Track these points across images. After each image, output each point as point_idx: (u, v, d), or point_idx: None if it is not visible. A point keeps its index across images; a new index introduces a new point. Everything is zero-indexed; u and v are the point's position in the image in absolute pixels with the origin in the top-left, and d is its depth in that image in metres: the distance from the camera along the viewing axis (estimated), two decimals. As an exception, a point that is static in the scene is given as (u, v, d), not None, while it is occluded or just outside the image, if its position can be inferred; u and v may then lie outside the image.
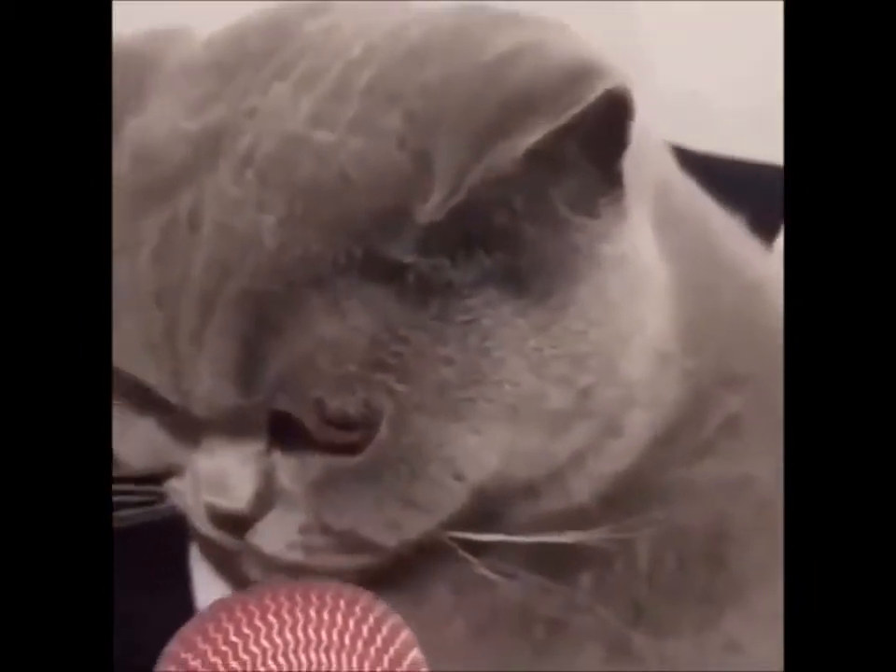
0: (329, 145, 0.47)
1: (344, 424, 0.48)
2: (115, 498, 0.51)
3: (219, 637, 0.44)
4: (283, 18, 0.52)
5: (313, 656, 0.44)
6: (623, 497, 0.53)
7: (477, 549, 0.51)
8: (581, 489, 0.52)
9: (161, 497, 0.53)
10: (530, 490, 0.51)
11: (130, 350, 0.49)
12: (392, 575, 0.52)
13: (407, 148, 0.47)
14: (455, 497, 0.49)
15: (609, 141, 0.47)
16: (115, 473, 0.52)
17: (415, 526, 0.50)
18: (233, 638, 0.44)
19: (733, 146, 0.80)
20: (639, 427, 0.52)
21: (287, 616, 0.44)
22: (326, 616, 0.45)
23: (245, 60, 0.51)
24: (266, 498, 0.50)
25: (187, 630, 0.45)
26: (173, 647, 0.45)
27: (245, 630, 0.44)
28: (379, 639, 0.45)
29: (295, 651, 0.44)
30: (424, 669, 0.45)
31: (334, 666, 0.44)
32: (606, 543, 0.51)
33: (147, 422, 0.52)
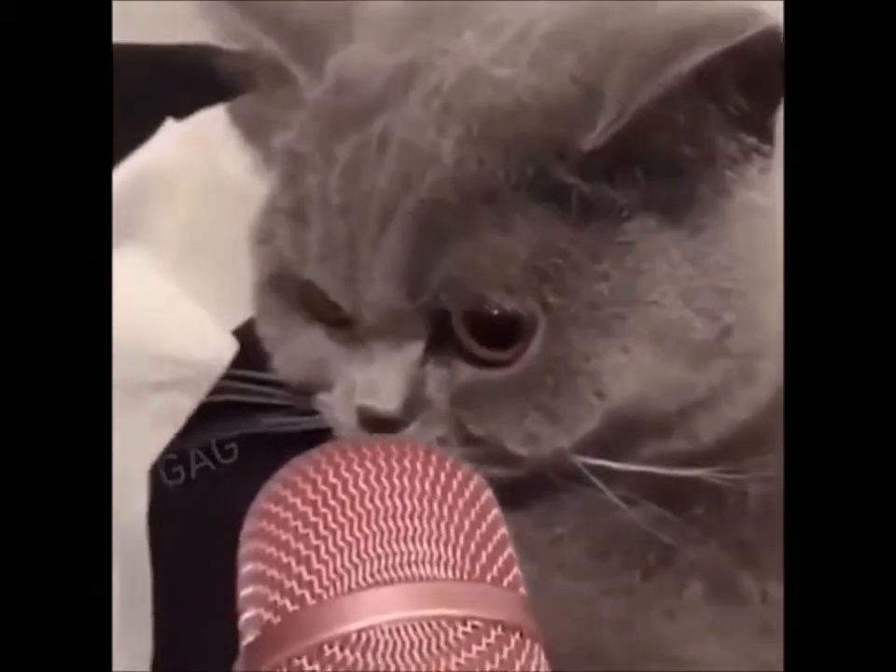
0: (507, 79, 0.54)
1: (495, 337, 0.53)
2: (265, 401, 0.59)
3: (319, 478, 0.47)
4: None
5: (406, 502, 0.46)
6: (740, 442, 0.57)
7: (605, 476, 0.55)
8: (708, 434, 0.56)
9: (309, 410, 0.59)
10: (663, 426, 0.55)
11: (312, 258, 0.56)
12: (523, 491, 0.56)
13: (579, 83, 0.53)
14: (593, 416, 0.54)
15: (766, 84, 0.52)
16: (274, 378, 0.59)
17: (551, 441, 0.54)
18: (333, 479, 0.46)
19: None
20: (768, 378, 0.56)
21: (383, 464, 0.47)
22: (419, 466, 0.47)
23: (439, 10, 0.59)
24: (413, 406, 0.55)
25: (287, 471, 0.48)
26: (272, 484, 0.48)
27: (345, 473, 0.47)
28: (467, 493, 0.47)
29: (391, 496, 0.46)
30: (503, 527, 0.48)
31: (426, 512, 0.46)
32: (720, 481, 0.56)
33: (313, 332, 0.58)
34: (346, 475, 0.46)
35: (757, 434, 0.57)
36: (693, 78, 0.50)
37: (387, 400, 0.55)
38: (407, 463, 0.47)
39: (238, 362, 0.63)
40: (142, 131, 0.70)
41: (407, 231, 0.53)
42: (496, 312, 0.53)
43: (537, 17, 0.56)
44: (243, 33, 0.58)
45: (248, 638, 0.45)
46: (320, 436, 0.59)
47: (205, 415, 0.63)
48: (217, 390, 0.63)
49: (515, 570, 0.47)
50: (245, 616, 0.46)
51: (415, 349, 0.56)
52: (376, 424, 0.56)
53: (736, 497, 0.57)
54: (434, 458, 0.47)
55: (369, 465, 0.47)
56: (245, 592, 0.46)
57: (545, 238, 0.53)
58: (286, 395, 0.60)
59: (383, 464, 0.47)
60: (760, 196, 0.55)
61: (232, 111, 0.66)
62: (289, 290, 0.59)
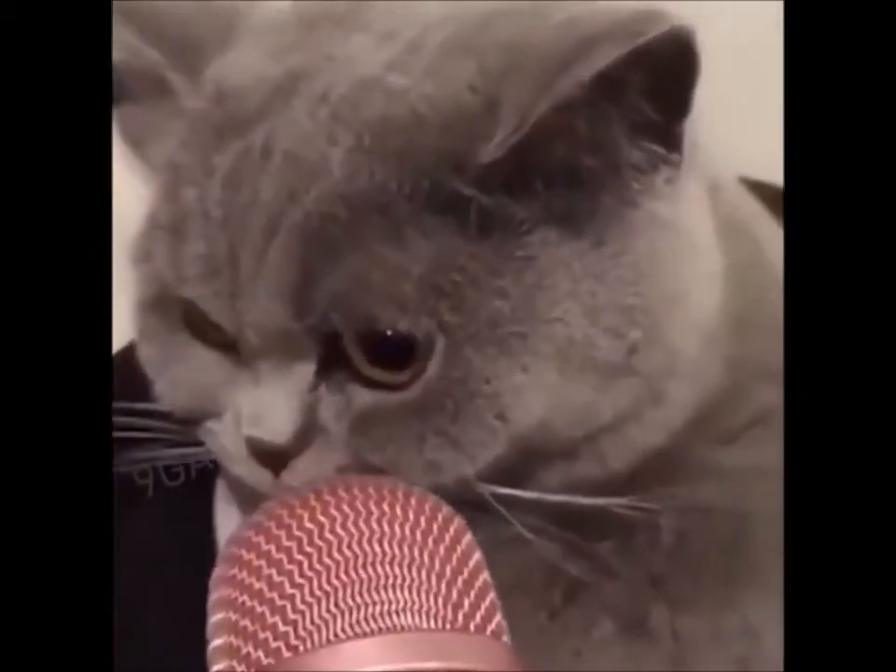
0: (402, 87, 0.51)
1: (390, 358, 0.50)
2: (151, 435, 0.55)
3: (294, 524, 0.45)
4: None
5: (385, 548, 0.45)
6: (652, 471, 0.54)
7: (511, 506, 0.52)
8: (616, 459, 0.54)
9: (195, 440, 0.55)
10: (569, 451, 0.53)
11: (192, 276, 0.52)
12: None
13: (478, 94, 0.50)
14: (496, 440, 0.51)
15: (673, 90, 0.49)
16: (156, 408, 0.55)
17: (453, 469, 0.51)
18: (308, 525, 0.45)
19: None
20: (679, 400, 0.54)
21: (361, 508, 0.45)
22: (398, 511, 0.45)
23: (328, 15, 0.56)
24: (306, 434, 0.52)
25: (260, 515, 0.46)
26: (243, 531, 0.46)
27: (321, 518, 0.45)
28: (447, 538, 0.46)
29: (370, 541, 0.44)
30: (486, 572, 0.46)
31: (406, 559, 0.44)
32: (631, 512, 0.53)
33: (198, 355, 0.55)
34: (323, 520, 0.45)
35: (671, 461, 0.55)
36: (593, 85, 0.48)
37: (276, 430, 0.52)
38: (386, 507, 0.45)
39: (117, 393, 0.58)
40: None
41: (292, 245, 0.50)
42: (388, 332, 0.50)
43: (432, 22, 0.54)
44: (119, 40, 0.55)
45: (218, 692, 0.43)
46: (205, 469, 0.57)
47: None
48: None
49: (498, 617, 0.45)
50: (216, 669, 0.44)
51: (305, 373, 0.52)
52: (266, 455, 0.52)
53: (647, 529, 0.55)
54: (413, 501, 0.46)
55: (346, 509, 0.45)
56: (215, 643, 0.44)
57: (442, 253, 0.50)
58: (168, 426, 0.57)
59: (360, 508, 0.45)
60: (665, 207, 0.53)
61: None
62: (171, 311, 0.55)
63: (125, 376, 0.56)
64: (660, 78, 0.49)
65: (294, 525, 0.45)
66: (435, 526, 0.45)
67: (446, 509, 0.47)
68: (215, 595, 0.45)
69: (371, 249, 0.50)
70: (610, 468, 0.54)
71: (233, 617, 0.44)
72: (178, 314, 0.55)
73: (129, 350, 0.58)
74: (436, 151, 0.50)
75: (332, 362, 0.52)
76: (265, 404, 0.52)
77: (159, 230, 0.54)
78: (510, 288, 0.51)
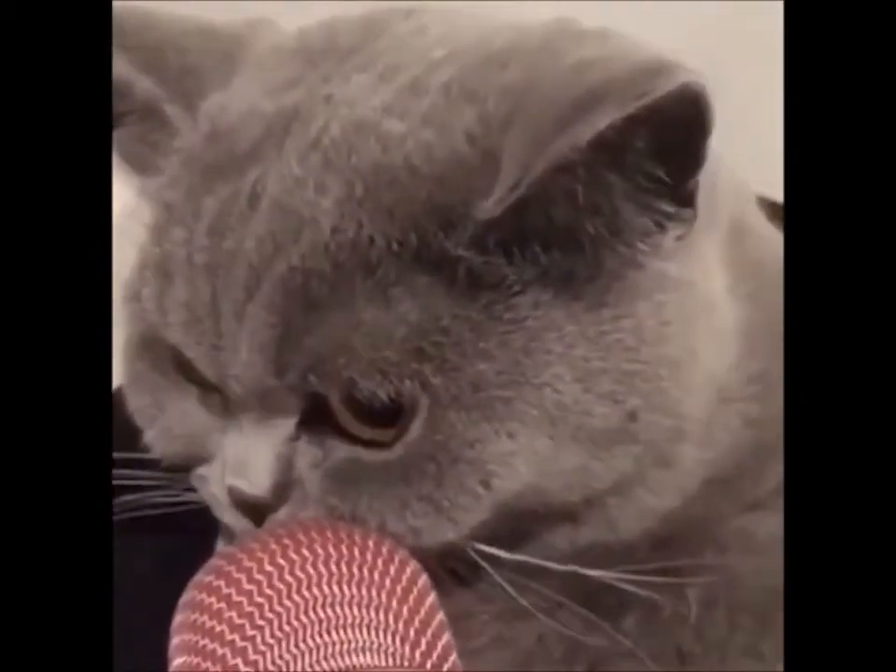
0: (398, 134, 0.49)
1: (374, 415, 0.48)
2: (143, 483, 0.53)
3: (254, 566, 0.46)
4: (376, 17, 0.54)
5: (344, 589, 0.45)
6: (675, 539, 0.51)
7: (513, 571, 0.50)
8: (629, 524, 0.51)
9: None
10: (568, 514, 0.50)
11: (176, 322, 0.51)
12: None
13: (476, 146, 0.48)
14: (479, 507, 0.49)
15: (683, 147, 0.46)
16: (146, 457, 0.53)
17: (436, 534, 0.49)
18: (268, 568, 0.46)
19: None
20: (691, 462, 0.51)
21: (319, 550, 0.46)
22: (356, 553, 0.46)
23: (332, 51, 0.53)
24: (284, 488, 0.50)
25: (219, 560, 0.47)
26: (203, 575, 0.47)
27: (280, 561, 0.46)
28: (404, 579, 0.47)
29: (329, 583, 0.45)
30: (440, 613, 0.47)
31: (365, 600, 0.45)
32: (653, 586, 0.50)
33: (188, 401, 0.53)
34: (282, 563, 0.46)
35: (695, 528, 0.51)
36: (592, 149, 0.45)
37: (256, 481, 0.50)
38: (344, 549, 0.46)
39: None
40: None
41: (275, 300, 0.48)
42: (367, 398, 0.48)
43: (438, 60, 0.51)
44: (116, 70, 0.53)
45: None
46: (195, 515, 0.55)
47: None
48: None
49: (454, 657, 0.46)
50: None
51: (286, 425, 0.50)
52: (246, 506, 0.51)
53: (673, 601, 0.51)
54: (371, 544, 0.47)
55: (305, 552, 0.46)
56: (177, 686, 0.45)
57: (426, 314, 0.48)
58: (159, 475, 0.55)
59: (319, 550, 0.46)
60: (675, 266, 0.49)
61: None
62: (160, 353, 0.53)
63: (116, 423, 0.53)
64: (668, 137, 0.45)
65: (254, 569, 0.45)
66: (392, 567, 0.46)
67: (402, 551, 0.48)
68: (176, 640, 0.46)
69: (354, 310, 0.48)
70: (623, 534, 0.51)
71: (195, 660, 0.45)
72: (167, 355, 0.53)
73: (116, 398, 0.56)
74: (428, 206, 0.48)
75: (314, 415, 0.50)
76: (247, 453, 0.50)
77: (146, 269, 0.52)
78: (494, 351, 0.48)
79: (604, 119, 0.44)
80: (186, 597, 0.46)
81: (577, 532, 0.51)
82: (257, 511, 0.50)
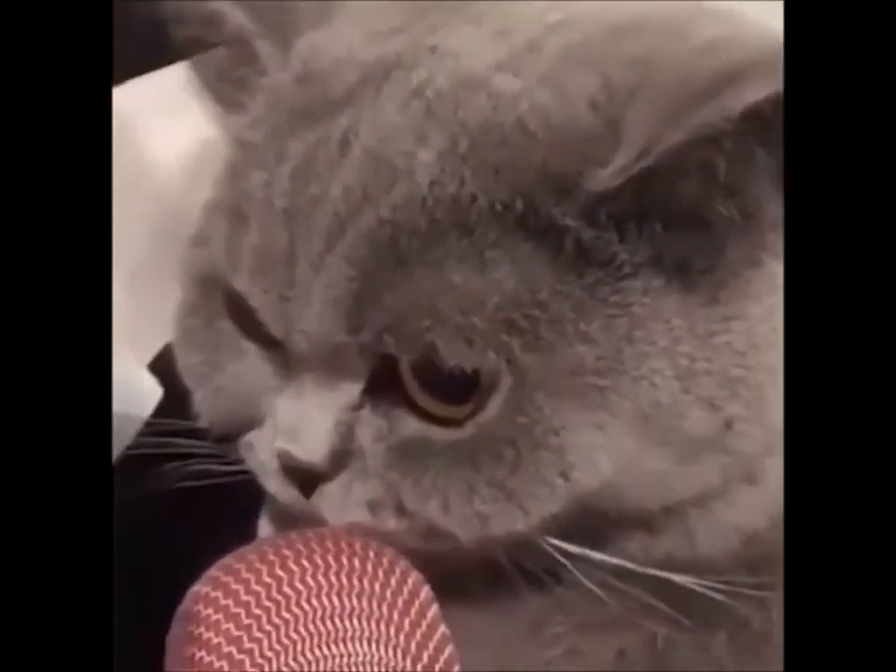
0: (511, 93, 0.46)
1: (446, 389, 0.46)
2: (189, 451, 0.51)
3: (252, 578, 0.45)
4: None
5: (345, 601, 0.45)
6: (760, 564, 0.48)
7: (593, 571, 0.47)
8: (708, 540, 0.48)
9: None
10: (644, 522, 0.48)
11: (245, 267, 0.48)
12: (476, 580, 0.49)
13: (598, 113, 0.45)
14: (553, 498, 0.46)
15: None
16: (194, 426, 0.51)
17: (504, 523, 0.46)
18: (267, 579, 0.45)
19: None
20: (777, 482, 0.46)
21: (319, 561, 0.45)
22: (356, 563, 0.45)
23: (440, 2, 0.50)
24: (341, 457, 0.47)
25: (217, 570, 0.46)
26: (200, 586, 0.46)
27: (279, 572, 0.45)
28: (405, 591, 0.46)
29: (329, 595, 0.44)
30: (443, 625, 0.46)
31: (366, 612, 0.44)
32: (740, 597, 0.47)
33: (244, 357, 0.50)
34: (281, 574, 0.45)
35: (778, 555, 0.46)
36: (743, 120, 0.42)
37: (310, 447, 0.47)
38: (344, 560, 0.45)
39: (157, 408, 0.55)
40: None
41: (358, 252, 0.45)
42: (447, 366, 0.45)
43: (554, 25, 0.48)
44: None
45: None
46: (243, 487, 0.52)
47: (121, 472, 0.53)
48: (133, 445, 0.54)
49: (456, 669, 0.45)
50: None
51: (352, 390, 0.47)
52: (296, 473, 0.48)
53: (760, 619, 0.48)
54: (372, 554, 0.46)
55: (304, 563, 0.45)
56: (171, 698, 0.44)
57: (524, 284, 0.45)
58: (208, 445, 0.52)
59: (319, 561, 0.45)
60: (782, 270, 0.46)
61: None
62: (217, 308, 0.51)
63: (163, 385, 0.53)
64: None
65: (252, 580, 0.45)
66: (393, 579, 0.45)
67: (404, 562, 0.47)
68: (172, 653, 0.45)
69: (445, 270, 0.45)
70: (702, 550, 0.48)
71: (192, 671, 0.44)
72: (225, 309, 0.50)
73: (164, 356, 0.54)
74: (540, 170, 0.45)
75: (382, 383, 0.47)
76: (303, 418, 0.47)
77: (219, 212, 0.50)
78: (596, 335, 0.45)
79: (758, 91, 0.42)
80: (183, 608, 0.45)
81: (652, 542, 0.48)
82: (307, 479, 0.48)
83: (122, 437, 0.55)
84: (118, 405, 0.51)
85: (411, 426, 0.47)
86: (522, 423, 0.45)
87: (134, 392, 0.56)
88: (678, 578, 0.47)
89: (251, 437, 0.50)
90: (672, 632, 0.48)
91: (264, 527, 0.54)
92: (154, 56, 0.60)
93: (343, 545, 0.46)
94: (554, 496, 0.46)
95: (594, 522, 0.47)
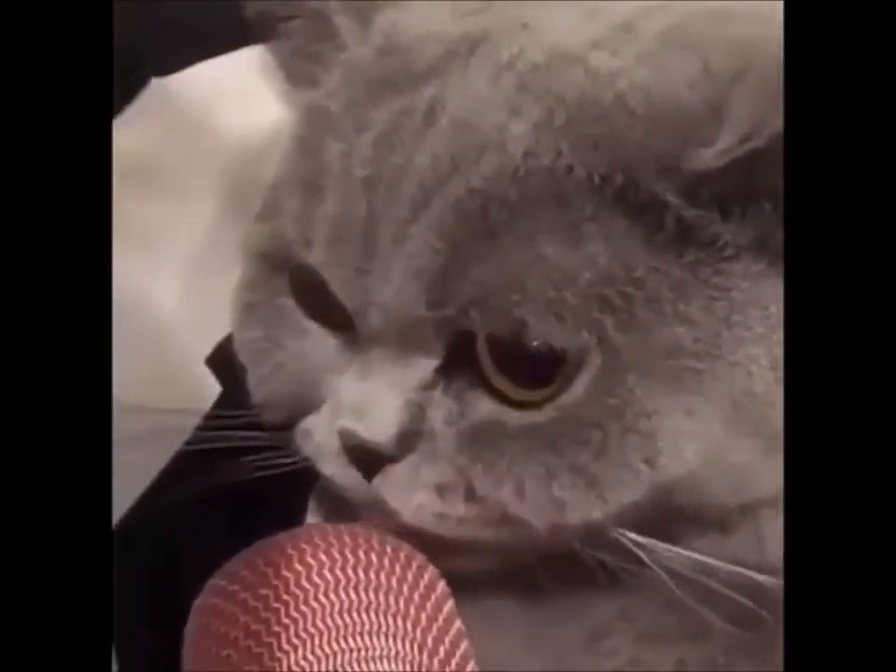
0: (609, 70, 0.46)
1: (526, 369, 0.44)
2: (244, 444, 0.50)
3: (270, 572, 0.45)
4: None
5: (362, 596, 0.45)
6: None
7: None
8: (777, 547, 0.44)
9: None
10: (719, 521, 0.46)
11: (320, 239, 0.47)
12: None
13: (699, 95, 0.45)
14: (636, 486, 0.45)
15: None
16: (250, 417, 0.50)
17: (581, 510, 0.45)
18: (285, 573, 0.45)
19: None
20: None
21: (337, 556, 0.45)
22: (374, 558, 0.46)
23: None
24: (409, 438, 0.46)
25: (234, 564, 0.46)
26: (218, 580, 0.46)
27: (297, 566, 0.45)
28: (422, 585, 0.46)
29: (346, 589, 0.45)
30: (458, 620, 0.46)
31: (382, 606, 0.45)
32: None
33: (304, 337, 0.49)
34: (299, 568, 0.45)
35: None
36: None
37: (377, 427, 0.46)
38: (361, 554, 0.45)
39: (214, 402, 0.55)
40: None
41: (445, 223, 0.44)
42: (535, 343, 0.44)
43: (652, 8, 0.48)
44: None
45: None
46: (301, 477, 0.51)
47: (178, 467, 0.55)
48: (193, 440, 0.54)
49: (471, 665, 0.45)
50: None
51: (424, 368, 0.46)
52: (360, 455, 0.46)
53: None
54: (389, 549, 0.46)
55: (322, 557, 0.45)
56: (190, 692, 0.44)
57: (620, 260, 0.44)
58: (263, 436, 0.51)
59: (336, 556, 0.45)
60: None
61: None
62: (280, 285, 0.50)
63: (223, 377, 0.52)
64: None
65: (270, 574, 0.45)
66: (409, 574, 0.46)
67: (420, 557, 0.47)
68: (189, 645, 0.45)
69: (537, 243, 0.44)
70: (770, 557, 0.47)
71: (209, 665, 0.44)
72: (292, 285, 0.49)
73: (224, 347, 0.53)
74: (641, 147, 0.44)
75: (457, 362, 0.46)
76: (370, 396, 0.46)
77: (291, 185, 0.49)
78: (696, 316, 0.44)
79: None
80: (200, 602, 0.46)
81: (723, 543, 0.47)
82: (372, 460, 0.47)
83: (180, 432, 0.55)
84: (175, 401, 0.52)
85: (485, 408, 0.46)
86: (612, 405, 0.44)
87: (192, 387, 0.56)
88: (761, 577, 0.46)
89: (308, 422, 0.49)
90: (734, 645, 0.47)
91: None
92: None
93: (361, 540, 0.46)
94: (637, 483, 0.45)
95: (669, 517, 0.46)
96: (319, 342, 0.49)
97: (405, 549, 0.47)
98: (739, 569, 0.46)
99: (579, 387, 0.44)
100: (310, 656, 0.43)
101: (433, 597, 0.46)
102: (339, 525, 0.47)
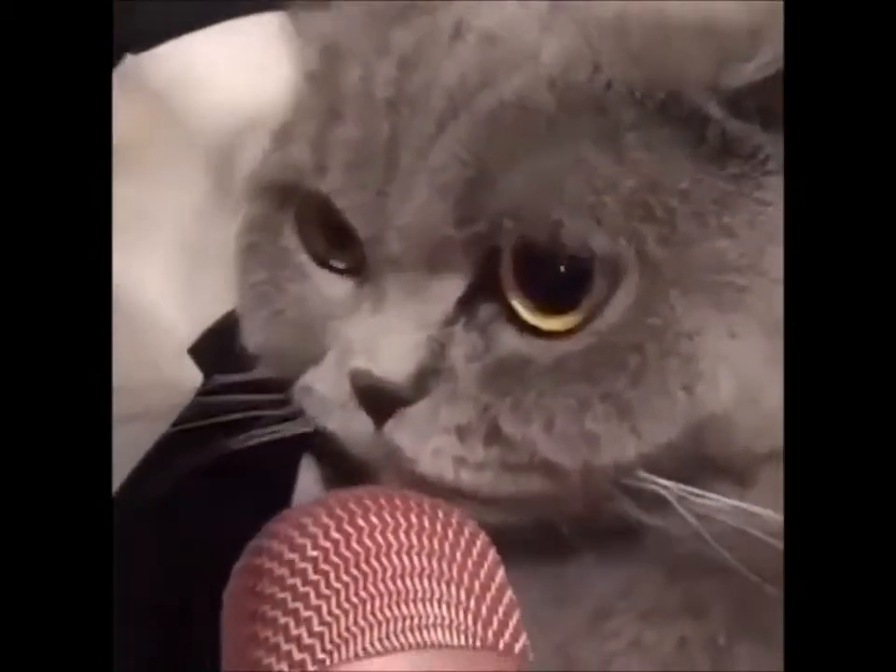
0: None
1: (556, 291, 0.42)
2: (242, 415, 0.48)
3: (319, 532, 0.43)
4: None
5: (415, 561, 0.43)
6: None
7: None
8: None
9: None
10: (744, 470, 0.45)
11: (337, 164, 0.45)
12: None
13: (736, 6, 0.44)
14: (673, 419, 0.43)
15: None
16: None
17: (614, 447, 0.43)
18: (335, 534, 0.43)
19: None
20: None
21: (388, 518, 0.44)
22: (426, 523, 0.44)
23: None
24: (427, 377, 0.44)
25: (280, 524, 0.44)
26: (263, 540, 0.44)
27: (347, 528, 0.43)
28: (475, 553, 0.44)
29: (399, 553, 0.43)
30: (510, 590, 0.45)
31: (436, 573, 0.43)
32: None
33: (308, 275, 0.48)
34: (349, 530, 0.43)
35: None
36: None
37: (393, 365, 0.44)
38: (413, 518, 0.44)
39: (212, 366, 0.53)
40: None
41: (474, 134, 0.43)
42: (571, 245, 0.42)
43: None
44: None
45: (237, 706, 0.41)
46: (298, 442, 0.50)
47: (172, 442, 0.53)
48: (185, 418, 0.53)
49: (524, 638, 0.44)
50: (235, 681, 0.42)
51: (445, 301, 0.44)
52: (372, 398, 0.44)
53: None
54: (441, 514, 0.44)
55: (373, 519, 0.43)
56: (231, 654, 0.42)
57: (663, 170, 0.43)
58: (261, 398, 0.49)
59: (388, 518, 0.43)
60: None
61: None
62: (287, 219, 0.48)
63: (220, 351, 0.50)
64: None
65: (320, 535, 0.43)
66: (462, 540, 0.44)
67: (472, 523, 0.45)
68: (230, 607, 0.43)
69: (577, 149, 0.43)
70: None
71: (253, 628, 0.42)
72: (292, 227, 0.48)
73: (223, 324, 0.51)
74: (682, 60, 0.44)
75: (480, 294, 0.44)
76: (385, 333, 0.45)
77: (307, 111, 0.48)
78: (740, 230, 0.43)
79: None
80: (242, 563, 0.44)
81: (742, 496, 0.46)
82: (385, 404, 0.45)
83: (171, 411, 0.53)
84: (162, 388, 0.50)
85: (511, 342, 0.44)
86: (652, 325, 0.43)
87: (179, 374, 0.53)
88: (773, 540, 0.44)
89: (308, 377, 0.47)
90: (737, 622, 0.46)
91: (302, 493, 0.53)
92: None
93: (412, 503, 0.44)
94: (673, 415, 0.43)
95: (697, 465, 0.44)
96: (323, 286, 0.48)
97: (457, 514, 0.45)
98: (770, 512, 0.44)
99: (617, 307, 0.43)
100: (361, 622, 0.41)
101: (486, 565, 0.44)
102: (388, 489, 0.45)
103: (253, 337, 0.50)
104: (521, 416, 0.44)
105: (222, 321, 0.51)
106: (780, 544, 0.43)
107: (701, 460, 0.45)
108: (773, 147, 0.44)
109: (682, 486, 0.44)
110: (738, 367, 0.43)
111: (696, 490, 0.44)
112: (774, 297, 0.43)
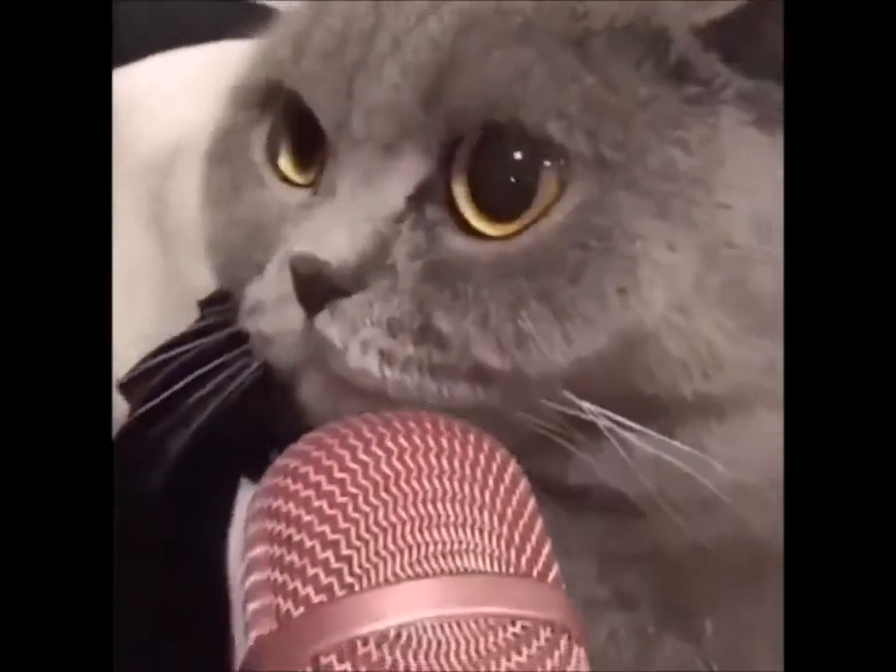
0: None
1: (505, 194, 0.44)
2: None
3: (347, 454, 0.41)
4: None
5: (446, 485, 0.41)
6: None
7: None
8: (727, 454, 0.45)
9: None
10: (710, 402, 0.45)
11: (314, 52, 0.47)
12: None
13: None
14: (603, 324, 0.43)
15: None
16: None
17: (543, 352, 0.44)
18: (363, 457, 0.41)
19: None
20: None
21: (418, 442, 0.42)
22: (457, 447, 0.42)
23: None
24: (366, 270, 0.45)
25: (304, 444, 0.43)
26: (287, 459, 0.42)
27: (376, 450, 0.41)
28: (507, 478, 0.42)
29: (430, 477, 0.41)
30: (541, 519, 0.43)
31: (468, 498, 0.41)
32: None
33: (266, 189, 0.49)
34: (378, 451, 0.41)
35: None
36: None
37: (337, 250, 0.44)
38: (444, 441, 0.42)
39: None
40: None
41: (452, 25, 0.45)
42: (530, 128, 0.43)
43: None
44: None
45: (259, 631, 0.40)
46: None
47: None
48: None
49: (557, 566, 0.42)
50: (254, 606, 0.40)
51: (395, 196, 0.45)
52: (310, 283, 0.45)
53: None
54: (472, 437, 0.43)
55: (402, 441, 0.42)
56: (253, 577, 0.41)
57: (623, 76, 0.44)
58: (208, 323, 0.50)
59: (418, 441, 0.42)
60: None
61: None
62: (257, 129, 0.50)
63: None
64: None
65: (347, 457, 0.41)
66: (494, 466, 0.42)
67: (503, 449, 0.43)
68: (253, 528, 0.42)
69: (545, 45, 0.44)
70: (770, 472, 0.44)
71: (277, 551, 0.40)
72: (261, 139, 0.50)
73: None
74: None
75: (429, 195, 0.45)
76: (333, 221, 0.45)
77: (297, 12, 0.50)
78: (693, 145, 0.44)
79: None
80: (266, 482, 0.42)
81: (709, 433, 0.45)
82: (321, 290, 0.45)
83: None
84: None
85: (455, 243, 0.45)
86: (601, 225, 0.43)
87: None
88: (718, 466, 0.44)
89: (252, 289, 0.48)
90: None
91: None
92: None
93: (442, 427, 0.43)
94: (603, 318, 0.43)
95: (624, 399, 0.44)
96: (280, 195, 0.49)
97: (488, 439, 0.43)
98: (697, 452, 0.45)
99: (565, 207, 0.44)
100: (391, 546, 0.40)
101: (518, 492, 0.42)
102: (419, 412, 0.44)
103: (210, 243, 0.51)
104: (457, 310, 0.44)
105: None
106: (706, 480, 0.44)
107: (629, 393, 0.45)
108: (728, 77, 0.45)
109: (610, 414, 0.44)
110: (671, 282, 0.44)
111: (625, 420, 0.44)
112: (717, 220, 0.44)
